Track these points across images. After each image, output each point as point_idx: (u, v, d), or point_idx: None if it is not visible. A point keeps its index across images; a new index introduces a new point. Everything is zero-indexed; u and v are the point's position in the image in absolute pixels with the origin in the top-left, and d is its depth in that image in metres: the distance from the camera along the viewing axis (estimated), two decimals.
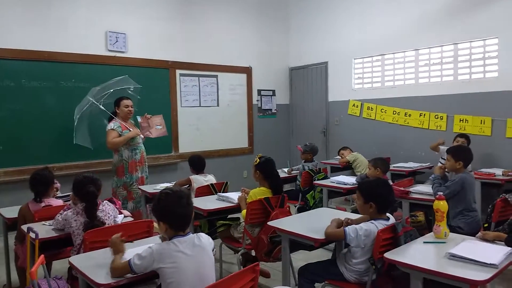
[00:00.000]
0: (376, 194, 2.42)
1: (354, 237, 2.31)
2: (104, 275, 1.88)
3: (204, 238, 1.94)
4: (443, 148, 5.10)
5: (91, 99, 4.69)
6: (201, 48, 6.45)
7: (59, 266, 3.17)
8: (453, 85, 5.44)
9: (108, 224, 2.57)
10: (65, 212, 2.58)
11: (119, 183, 4.37)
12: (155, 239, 2.26)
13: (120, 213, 2.84)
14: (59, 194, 3.41)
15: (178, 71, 6.19)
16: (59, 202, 3.10)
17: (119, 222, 2.69)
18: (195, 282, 1.78)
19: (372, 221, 2.39)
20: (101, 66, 5.42)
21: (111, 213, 2.67)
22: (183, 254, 1.81)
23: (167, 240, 1.88)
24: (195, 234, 1.93)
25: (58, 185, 3.39)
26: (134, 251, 1.93)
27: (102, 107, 4.68)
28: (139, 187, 4.31)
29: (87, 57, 5.29)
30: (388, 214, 2.45)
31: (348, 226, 2.37)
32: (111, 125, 4.34)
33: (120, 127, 4.34)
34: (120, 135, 4.30)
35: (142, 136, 4.53)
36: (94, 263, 2.03)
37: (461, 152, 3.33)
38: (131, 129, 4.40)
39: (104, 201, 2.74)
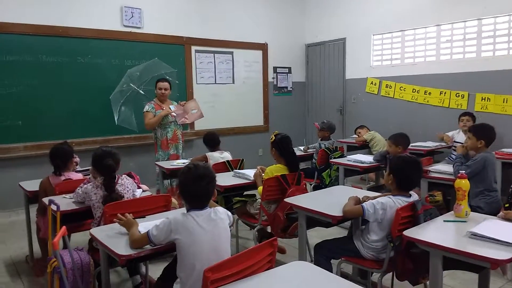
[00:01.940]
0: (399, 169, 2.39)
1: (372, 212, 2.30)
2: (125, 247, 1.91)
3: (221, 213, 1.94)
4: (452, 133, 4.99)
5: (133, 85, 5.03)
6: (216, 24, 6.36)
7: (79, 238, 3.25)
8: (476, 62, 5.27)
9: (127, 198, 2.60)
10: (85, 186, 2.62)
11: (155, 159, 4.66)
12: (173, 214, 2.28)
13: (139, 187, 2.87)
14: (78, 168, 3.46)
15: (193, 48, 6.13)
16: (79, 175, 3.15)
17: (138, 196, 2.72)
18: (210, 255, 1.79)
19: (391, 196, 2.37)
20: (117, 42, 5.40)
21: (130, 187, 2.70)
22: (199, 227, 1.82)
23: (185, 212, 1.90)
24: (212, 208, 1.94)
25: (77, 159, 3.44)
26: (151, 224, 1.95)
27: (142, 92, 5.03)
28: (156, 163, 4.37)
29: (102, 32, 5.27)
30: (411, 192, 2.42)
31: (366, 202, 2.36)
32: (146, 107, 4.63)
33: (154, 107, 4.60)
34: (155, 115, 4.55)
35: (173, 115, 4.63)
36: (114, 235, 2.07)
37: (484, 130, 3.23)
38: (164, 108, 4.60)
39: (123, 175, 2.77)
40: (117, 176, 2.66)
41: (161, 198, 2.59)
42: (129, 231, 1.98)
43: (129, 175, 2.85)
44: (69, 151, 3.14)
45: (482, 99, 5.19)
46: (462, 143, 3.64)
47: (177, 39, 5.93)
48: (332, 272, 2.08)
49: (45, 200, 2.71)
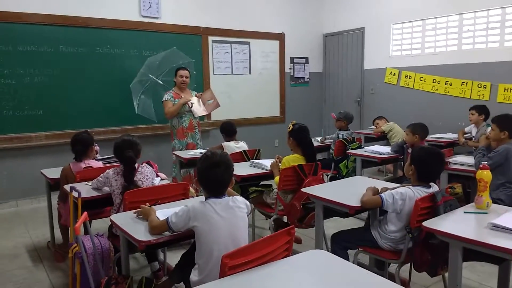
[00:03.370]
0: (421, 160, 2.36)
1: (391, 202, 2.28)
2: (144, 233, 1.95)
3: (240, 201, 1.96)
4: (468, 128, 4.83)
5: (151, 76, 5.04)
6: (233, 14, 6.34)
7: (98, 225, 3.32)
8: (499, 52, 5.12)
9: (146, 185, 2.64)
10: (107, 170, 2.67)
11: (171, 147, 4.67)
12: (191, 202, 2.30)
13: (157, 175, 2.91)
14: (98, 156, 3.52)
15: (210, 38, 6.13)
16: (99, 164, 3.21)
17: (156, 184, 2.75)
18: (227, 243, 1.81)
19: (410, 186, 2.35)
20: (135, 32, 5.44)
21: (149, 175, 2.74)
22: (217, 215, 1.84)
23: (203, 200, 1.92)
24: (230, 197, 1.95)
25: (97, 147, 3.50)
26: (170, 211, 1.98)
27: (161, 82, 5.05)
28: (174, 152, 4.41)
29: (120, 22, 5.31)
30: (431, 183, 2.38)
31: (384, 192, 2.34)
32: (165, 96, 4.63)
33: (173, 96, 4.61)
34: (174, 104, 4.56)
35: (190, 105, 4.64)
36: (134, 221, 2.11)
37: (507, 121, 3.16)
38: (182, 96, 4.61)
39: (143, 164, 2.81)
40: (137, 165, 2.70)
41: (179, 186, 2.62)
42: (148, 219, 2.01)
43: (148, 163, 2.89)
44: (89, 138, 3.20)
45: (505, 89, 5.05)
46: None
47: (194, 29, 5.94)
48: (349, 261, 2.08)
49: (67, 187, 2.77)
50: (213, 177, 1.90)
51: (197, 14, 5.96)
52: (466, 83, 5.44)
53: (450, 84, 5.62)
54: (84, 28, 5.07)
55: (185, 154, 4.15)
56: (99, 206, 2.88)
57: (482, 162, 2.36)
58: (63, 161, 3.36)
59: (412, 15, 6.05)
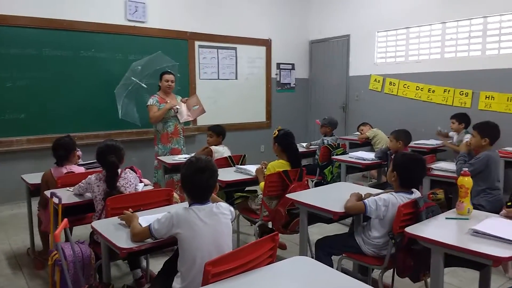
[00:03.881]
0: (403, 166, 2.39)
1: (374, 208, 2.30)
2: (126, 240, 1.92)
3: (224, 207, 1.94)
4: (451, 133, 4.93)
5: (134, 79, 4.98)
6: (220, 19, 6.35)
7: (80, 232, 3.26)
8: (481, 60, 5.24)
9: (129, 191, 2.61)
10: (89, 176, 2.62)
11: (154, 151, 4.65)
12: (175, 208, 2.28)
13: (141, 181, 2.87)
14: (81, 162, 3.46)
15: (197, 43, 6.12)
16: (81, 169, 3.15)
17: (140, 190, 2.72)
18: (211, 250, 1.79)
19: (393, 193, 2.37)
20: (120, 36, 5.40)
21: (132, 181, 2.70)
22: (201, 221, 1.82)
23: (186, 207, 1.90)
24: (214, 203, 1.94)
25: (79, 152, 3.44)
26: (153, 218, 1.95)
27: (145, 86, 5.01)
28: (158, 157, 4.37)
29: (106, 26, 5.26)
30: (413, 190, 2.41)
31: (368, 198, 2.35)
32: (150, 101, 4.56)
33: (158, 101, 4.55)
34: (159, 109, 4.50)
35: (175, 110, 4.59)
36: (115, 228, 2.07)
37: (488, 128, 3.22)
38: (168, 101, 4.56)
39: (127, 169, 2.77)
40: (120, 170, 2.66)
41: (162, 192, 2.59)
42: (130, 225, 1.98)
43: (132, 169, 2.85)
44: (71, 143, 3.15)
45: (486, 97, 5.16)
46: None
47: (181, 34, 5.93)
48: (332, 267, 2.08)
49: (47, 193, 2.71)
50: (197, 183, 1.89)
51: (183, 19, 5.95)
52: (449, 91, 5.54)
53: (433, 91, 5.72)
54: (69, 31, 5.00)
55: (169, 159, 4.11)
56: (81, 212, 2.83)
57: (463, 168, 2.41)
58: (45, 166, 3.29)
59: (397, 23, 6.15)
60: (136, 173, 2.85)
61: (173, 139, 4.63)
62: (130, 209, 2.17)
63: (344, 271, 2.70)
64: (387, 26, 6.29)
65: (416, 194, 2.39)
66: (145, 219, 2.05)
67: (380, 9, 6.33)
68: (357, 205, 2.36)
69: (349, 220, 3.06)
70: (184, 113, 4.69)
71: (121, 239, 1.92)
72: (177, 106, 4.61)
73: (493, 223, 2.08)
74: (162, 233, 1.85)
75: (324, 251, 2.54)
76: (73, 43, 5.06)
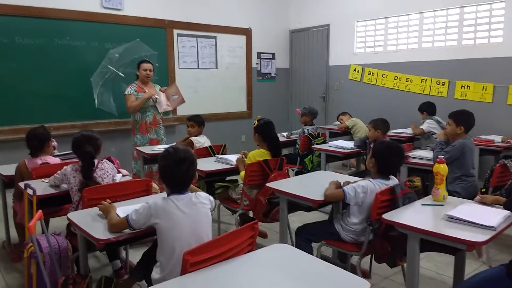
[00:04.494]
0: (382, 154, 2.43)
1: (353, 195, 2.33)
2: (103, 231, 1.89)
3: (203, 197, 1.93)
4: (425, 127, 5.02)
5: (111, 67, 4.85)
6: (199, 8, 6.26)
7: (58, 223, 3.19)
8: (457, 50, 5.34)
9: (107, 182, 2.56)
10: (65, 167, 2.56)
11: (132, 142, 4.57)
12: (153, 198, 2.26)
13: (119, 172, 2.83)
14: (56, 152, 3.38)
15: (175, 31, 6.02)
16: (56, 160, 3.08)
17: (118, 181, 2.68)
18: (190, 239, 1.78)
19: (371, 179, 2.40)
20: (96, 24, 5.26)
21: (110, 172, 2.65)
22: (180, 211, 1.81)
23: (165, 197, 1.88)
24: (193, 193, 1.92)
25: (55, 143, 3.36)
26: (131, 208, 1.93)
27: (122, 75, 4.87)
28: (136, 147, 4.30)
29: (81, 14, 5.11)
30: (390, 176, 2.45)
31: (346, 186, 2.38)
32: (127, 90, 4.46)
33: (136, 90, 4.46)
34: (136, 98, 4.41)
35: (154, 99, 4.51)
36: (92, 219, 2.04)
37: (463, 116, 3.29)
38: (146, 91, 4.48)
39: (103, 160, 2.72)
40: (97, 161, 2.61)
41: (141, 182, 2.56)
42: (107, 216, 1.95)
43: (109, 159, 2.80)
44: (45, 133, 3.07)
45: (462, 86, 5.27)
46: None
47: (159, 22, 5.82)
48: (312, 255, 2.09)
49: (21, 184, 2.64)
50: (177, 173, 1.87)
51: (161, 6, 5.83)
52: (426, 80, 5.63)
53: (411, 81, 5.80)
54: (42, 19, 4.84)
55: (148, 149, 4.05)
56: (57, 203, 2.77)
57: (439, 156, 2.45)
58: (19, 158, 3.19)
59: (375, 13, 6.18)
60: (114, 164, 2.80)
61: (152, 129, 4.55)
62: (108, 200, 2.13)
63: (324, 257, 2.74)
64: (366, 16, 6.32)
65: (394, 180, 2.43)
66: (123, 209, 2.02)
67: None
68: (336, 192, 2.39)
69: (329, 208, 3.10)
70: (163, 102, 4.61)
71: (98, 230, 1.89)
72: (156, 96, 4.53)
73: (468, 209, 2.13)
74: (140, 223, 1.83)
75: (304, 239, 2.56)
76: (47, 31, 4.90)
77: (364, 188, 2.34)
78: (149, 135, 4.53)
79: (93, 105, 4.88)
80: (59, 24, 4.98)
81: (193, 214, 1.84)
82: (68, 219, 2.10)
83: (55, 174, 2.61)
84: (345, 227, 2.44)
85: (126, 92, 4.45)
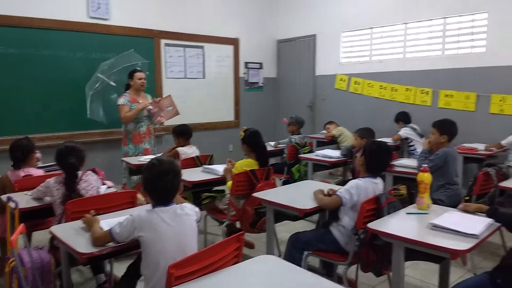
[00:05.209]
0: (372, 152, 2.51)
1: (349, 198, 2.39)
2: (86, 244, 1.86)
3: (188, 208, 1.92)
4: (402, 133, 5.13)
5: (101, 76, 4.80)
6: (187, 18, 6.27)
7: (41, 237, 3.13)
8: (441, 60, 5.44)
9: (91, 194, 2.53)
10: (48, 179, 2.52)
11: (122, 151, 4.54)
12: (138, 210, 2.23)
13: (104, 183, 2.79)
14: (40, 164, 3.33)
15: (163, 41, 6.02)
16: (40, 172, 3.04)
17: (102, 193, 2.64)
18: (175, 252, 1.76)
19: (360, 178, 2.45)
20: (83, 34, 5.22)
21: (94, 184, 2.62)
22: (165, 223, 1.79)
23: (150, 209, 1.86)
24: (178, 205, 1.91)
25: (39, 155, 3.31)
26: (115, 221, 1.90)
27: (113, 83, 4.82)
28: (122, 158, 4.26)
29: (67, 24, 5.08)
30: (377, 177, 2.51)
31: (340, 190, 2.42)
32: (121, 100, 4.43)
33: (130, 100, 4.44)
34: (130, 109, 4.39)
35: (149, 109, 4.50)
36: (75, 232, 2.01)
37: (446, 125, 3.34)
38: (140, 101, 4.46)
39: (88, 171, 2.69)
40: (81, 173, 2.58)
41: (126, 194, 2.53)
42: (91, 229, 1.92)
43: (93, 171, 2.77)
44: (29, 145, 3.03)
45: (445, 95, 5.37)
46: None
47: (146, 32, 5.81)
48: (301, 264, 2.10)
49: (4, 197, 2.59)
50: (162, 185, 1.85)
51: (149, 16, 5.84)
52: (411, 89, 5.72)
53: (396, 90, 5.89)
54: (26, 28, 4.78)
55: (135, 160, 4.02)
56: (41, 217, 2.72)
57: (423, 165, 2.49)
58: (3, 169, 3.15)
59: (360, 24, 6.28)
60: (99, 175, 2.77)
61: (145, 139, 4.54)
62: (92, 211, 2.10)
63: (311, 268, 2.74)
64: (352, 26, 6.41)
65: (379, 180, 2.50)
66: (107, 222, 2.00)
67: (344, 10, 6.45)
68: (332, 199, 2.44)
69: (316, 217, 3.11)
70: (157, 114, 4.60)
71: (81, 244, 1.86)
72: (151, 107, 4.51)
73: (451, 217, 2.16)
74: (124, 236, 1.81)
75: (298, 248, 2.51)
76: (32, 41, 4.85)
77: (355, 188, 2.41)
78: (143, 145, 4.52)
79: (79, 116, 4.85)
80: (44, 34, 4.93)
81: (178, 226, 1.82)
82: (51, 232, 2.07)
83: (38, 187, 2.57)
84: (344, 233, 2.42)
85: (120, 102, 4.42)
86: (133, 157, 4.32)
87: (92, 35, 5.30)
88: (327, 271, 2.82)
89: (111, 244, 1.85)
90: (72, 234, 1.98)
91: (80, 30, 5.20)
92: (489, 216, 2.14)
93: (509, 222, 2.05)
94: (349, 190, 2.40)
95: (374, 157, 2.51)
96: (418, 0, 5.57)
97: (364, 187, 2.40)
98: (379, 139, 4.92)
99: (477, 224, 2.04)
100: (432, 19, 5.50)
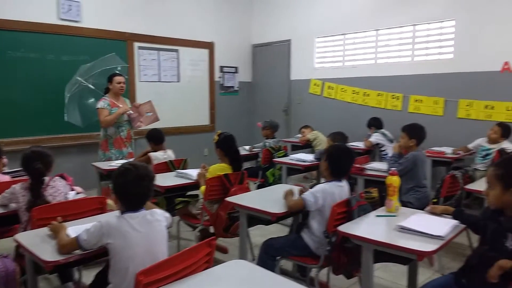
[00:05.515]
0: (334, 156, 2.53)
1: (313, 201, 2.39)
2: (52, 252, 1.81)
3: (158, 214, 1.89)
4: (373, 139, 5.24)
5: (79, 79, 4.66)
6: (161, 21, 6.23)
7: (7, 245, 3.01)
8: (410, 66, 5.59)
9: (59, 200, 2.46)
10: (13, 185, 2.44)
11: (103, 157, 4.42)
12: (106, 217, 2.19)
13: (72, 189, 2.73)
14: (6, 169, 3.22)
15: (136, 44, 5.96)
16: (6, 178, 2.94)
17: (70, 199, 2.58)
18: (145, 259, 1.73)
19: (326, 182, 2.47)
20: (53, 36, 5.12)
21: (62, 190, 2.55)
22: (134, 230, 1.76)
23: (119, 215, 1.83)
24: (148, 210, 1.88)
25: (5, 160, 3.20)
26: (83, 228, 1.86)
27: (92, 87, 4.68)
28: (92, 163, 4.17)
29: (36, 25, 4.96)
30: (342, 179, 2.54)
31: (305, 193, 2.43)
32: (100, 103, 4.37)
33: (109, 104, 4.37)
34: (110, 113, 4.33)
35: (129, 114, 4.44)
36: (41, 240, 1.94)
37: (415, 130, 3.43)
38: (120, 106, 4.39)
39: (56, 177, 2.62)
40: (48, 178, 2.51)
41: (95, 200, 2.48)
42: (57, 236, 1.87)
43: (62, 176, 2.70)
44: None
45: (415, 100, 5.52)
46: None
47: (119, 35, 5.73)
48: (274, 271, 2.10)
49: None
50: (136, 191, 1.82)
51: (121, 19, 5.76)
52: (382, 94, 5.86)
53: (368, 95, 6.01)
54: None
55: (105, 165, 3.94)
56: (6, 224, 2.63)
57: (392, 168, 2.54)
58: None
59: (334, 29, 6.39)
60: (67, 181, 2.70)
61: (128, 143, 4.50)
62: (59, 218, 2.05)
63: (283, 272, 2.75)
64: (325, 32, 6.52)
65: (344, 183, 2.53)
66: (75, 229, 1.95)
67: (318, 16, 6.55)
68: (297, 202, 2.45)
69: (290, 220, 3.12)
70: (137, 119, 4.53)
71: (47, 252, 1.80)
72: (131, 111, 4.45)
73: (418, 219, 2.21)
74: (91, 243, 1.77)
75: (269, 255, 2.51)
76: (0, 43, 4.70)
77: (320, 191, 2.41)
78: (126, 149, 4.47)
79: (47, 120, 4.71)
80: (13, 35, 4.80)
81: (148, 233, 1.79)
82: (15, 240, 2.00)
83: (3, 193, 2.49)
84: (314, 239, 2.44)
85: (99, 106, 4.35)
86: (102, 162, 4.24)
87: (63, 37, 5.21)
88: (301, 273, 2.84)
89: (78, 251, 1.81)
90: (38, 242, 1.92)
91: (51, 32, 5.08)
92: (454, 217, 2.20)
93: (474, 223, 2.12)
94: (314, 193, 2.41)
95: (337, 160, 2.52)
96: (388, 7, 5.72)
97: (330, 191, 2.42)
98: (351, 143, 5.10)
99: (443, 225, 2.10)
100: (402, 26, 5.65)
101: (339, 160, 2.53)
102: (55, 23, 5.13)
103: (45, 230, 2.00)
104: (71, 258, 1.78)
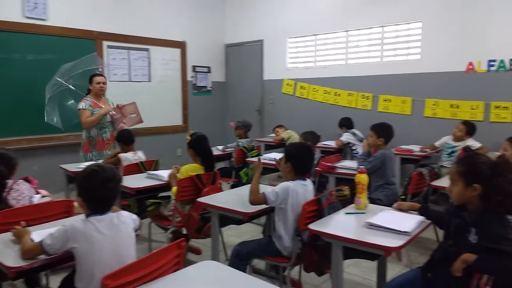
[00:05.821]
0: (296, 155, 2.52)
1: (273, 199, 2.38)
2: (15, 258, 1.74)
3: (125, 216, 1.86)
4: (344, 139, 5.35)
5: (59, 79, 4.51)
6: (131, 20, 6.12)
7: None
8: (379, 66, 5.72)
9: (23, 204, 2.38)
10: None
11: (84, 159, 4.30)
12: (71, 220, 2.13)
13: (38, 192, 2.64)
14: None
15: (105, 43, 5.83)
16: None
17: (35, 202, 2.50)
18: (112, 262, 1.69)
19: (290, 181, 2.47)
20: (18, 35, 4.95)
21: (26, 193, 2.47)
22: (100, 233, 1.72)
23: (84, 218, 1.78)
24: (115, 213, 1.84)
25: None
26: (48, 232, 1.80)
27: (72, 87, 4.55)
28: (60, 165, 4.05)
29: (0, 23, 4.78)
30: (306, 178, 2.55)
31: (267, 190, 2.42)
32: (81, 104, 4.26)
33: (91, 105, 4.25)
34: (92, 114, 4.23)
35: (111, 115, 4.33)
36: (4, 245, 1.87)
37: (383, 129, 3.51)
38: (102, 106, 4.28)
39: (19, 180, 2.53)
40: (11, 181, 2.42)
41: (61, 203, 2.40)
42: (20, 241, 1.81)
43: (26, 179, 2.61)
44: None
45: (384, 100, 5.65)
46: None
47: (87, 33, 5.60)
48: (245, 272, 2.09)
49: None
50: (103, 193, 1.77)
51: (90, 17, 5.62)
52: (352, 94, 5.96)
53: (339, 95, 6.11)
54: None
55: (73, 167, 3.82)
56: None
57: (360, 166, 2.59)
58: None
59: (305, 30, 6.46)
60: (32, 184, 2.61)
61: (110, 145, 4.37)
62: (23, 222, 1.98)
63: (256, 271, 2.76)
64: (297, 32, 6.58)
65: (309, 182, 2.54)
66: (40, 234, 1.88)
67: (290, 16, 6.60)
68: (258, 197, 2.41)
69: (263, 219, 3.13)
70: (119, 120, 4.42)
71: (9, 257, 1.74)
72: (113, 112, 4.35)
73: (386, 216, 2.27)
74: (55, 248, 1.71)
75: (242, 259, 2.48)
76: None
77: (284, 189, 2.40)
78: (107, 152, 4.34)
79: (14, 121, 4.55)
80: None
81: (114, 236, 1.75)
82: None
83: None
84: (282, 244, 2.42)
85: (80, 107, 4.24)
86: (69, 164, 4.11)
87: (28, 36, 5.04)
88: (275, 272, 2.85)
89: (42, 256, 1.75)
90: (1, 247, 1.85)
91: (15, 30, 4.91)
92: (420, 214, 2.26)
93: (438, 219, 2.18)
94: (276, 191, 2.39)
95: (299, 159, 2.52)
96: (358, 9, 5.82)
97: (294, 190, 2.41)
98: (323, 142, 5.17)
99: (409, 221, 2.16)
100: (371, 27, 5.77)
101: (301, 158, 2.52)
102: (20, 21, 4.96)
103: (8, 235, 1.93)
104: (35, 264, 1.73)
